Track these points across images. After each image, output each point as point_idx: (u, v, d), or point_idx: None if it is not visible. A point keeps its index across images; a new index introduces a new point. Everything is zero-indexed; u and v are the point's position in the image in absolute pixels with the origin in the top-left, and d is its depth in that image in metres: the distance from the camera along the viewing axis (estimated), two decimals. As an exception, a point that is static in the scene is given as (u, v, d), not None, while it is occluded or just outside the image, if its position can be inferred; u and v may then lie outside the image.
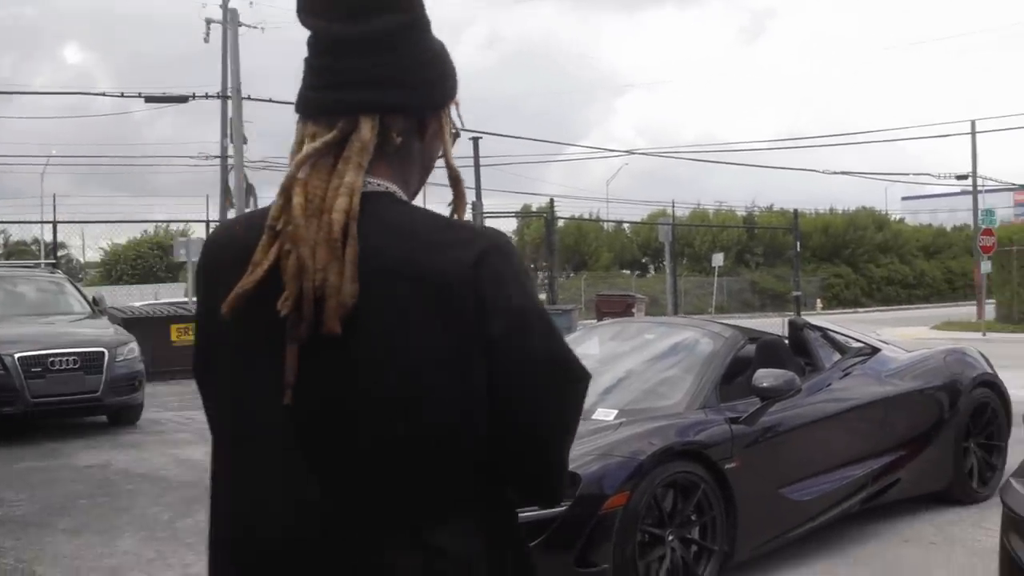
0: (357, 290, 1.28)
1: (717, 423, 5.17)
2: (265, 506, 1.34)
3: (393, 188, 1.39)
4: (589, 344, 6.49)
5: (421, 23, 1.40)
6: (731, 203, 54.20)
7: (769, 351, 5.92)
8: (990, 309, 29.41)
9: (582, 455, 4.69)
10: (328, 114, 1.36)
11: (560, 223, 44.01)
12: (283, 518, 1.33)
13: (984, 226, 28.73)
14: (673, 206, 30.58)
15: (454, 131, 1.48)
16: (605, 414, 5.30)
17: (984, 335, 23.77)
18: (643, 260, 51.50)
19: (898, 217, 59.04)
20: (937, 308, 43.49)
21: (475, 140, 21.31)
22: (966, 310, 34.62)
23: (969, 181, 38.51)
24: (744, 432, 5.22)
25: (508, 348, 1.31)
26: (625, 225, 50.91)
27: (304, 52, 1.42)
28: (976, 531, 6.02)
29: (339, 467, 1.31)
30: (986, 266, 27.99)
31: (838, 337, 6.69)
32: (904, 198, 77.88)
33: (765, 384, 5.34)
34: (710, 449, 5.00)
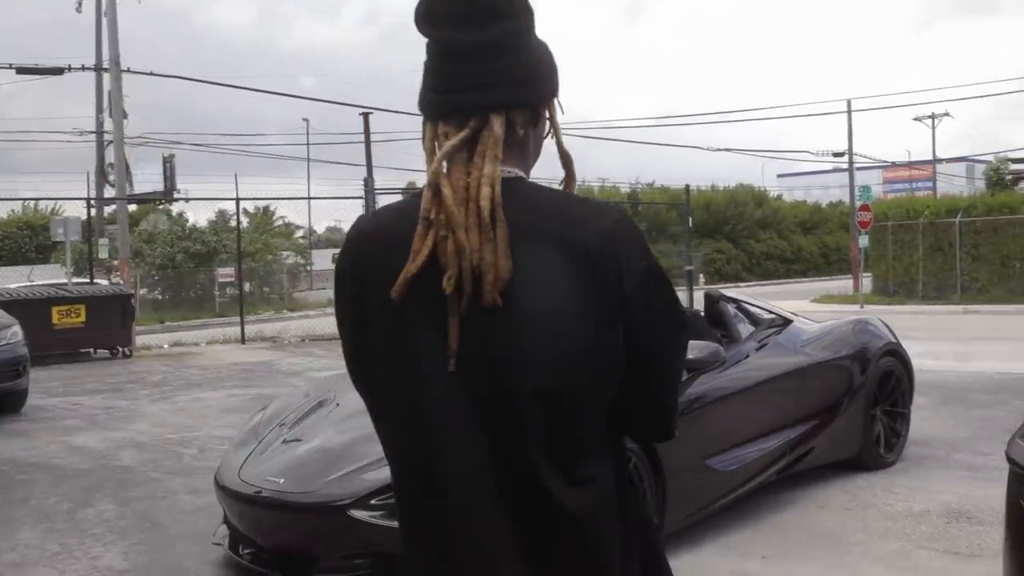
0: (511, 266, 1.44)
1: (646, 396, 5.15)
2: (442, 461, 1.50)
3: (520, 172, 1.56)
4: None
5: (530, 26, 1.55)
6: (615, 180, 54.68)
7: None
8: (866, 282, 30.47)
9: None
10: (459, 114, 1.51)
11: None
12: (460, 471, 1.49)
13: (861, 202, 29.66)
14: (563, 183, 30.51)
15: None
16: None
17: (862, 307, 24.62)
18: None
19: (776, 194, 60.59)
20: (815, 282, 44.95)
21: (365, 116, 20.94)
22: (843, 283, 35.83)
23: (844, 159, 39.76)
24: (672, 404, 5.22)
25: (639, 303, 1.50)
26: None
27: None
28: (887, 495, 6.17)
29: (503, 421, 1.47)
30: (863, 240, 28.96)
31: (752, 309, 6.77)
32: (780, 175, 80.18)
33: (691, 356, 5.34)
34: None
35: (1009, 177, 36.65)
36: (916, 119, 53.73)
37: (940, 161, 54.89)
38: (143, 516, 6.23)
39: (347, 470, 4.62)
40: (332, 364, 14.66)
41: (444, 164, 1.49)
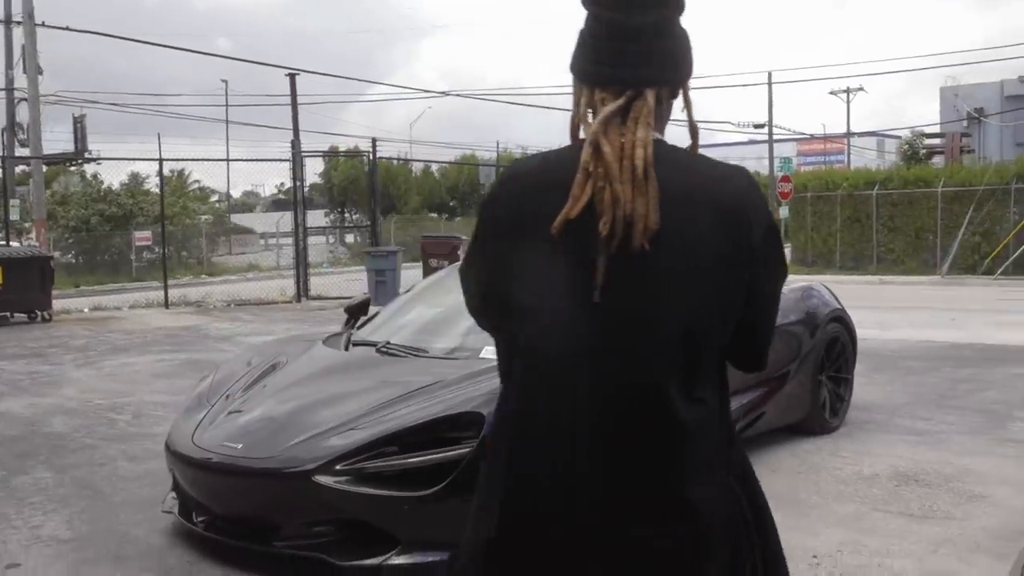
0: (659, 218, 1.64)
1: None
2: (581, 380, 1.69)
3: (660, 136, 1.77)
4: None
5: (680, 13, 1.78)
6: (537, 147, 54.74)
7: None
8: (785, 253, 30.97)
9: (481, 395, 4.53)
10: (618, 84, 1.73)
11: (365, 166, 43.36)
12: (597, 391, 1.68)
13: (782, 173, 30.12)
14: (497, 147, 30.48)
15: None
16: (493, 352, 5.14)
17: (783, 276, 25.01)
18: (451, 203, 51.44)
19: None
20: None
21: (292, 77, 20.45)
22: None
23: (761, 131, 40.35)
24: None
25: (762, 253, 1.75)
26: (434, 168, 50.61)
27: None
28: (835, 459, 6.26)
29: (636, 348, 1.68)
30: (784, 212, 29.43)
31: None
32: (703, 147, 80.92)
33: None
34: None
35: (923, 151, 37.60)
36: (832, 93, 54.70)
37: (854, 135, 56.00)
38: (82, 484, 6.01)
39: (309, 435, 4.50)
40: (260, 329, 14.40)
41: (603, 126, 1.70)
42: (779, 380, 6.46)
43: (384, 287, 16.61)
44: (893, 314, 15.22)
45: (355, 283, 20.36)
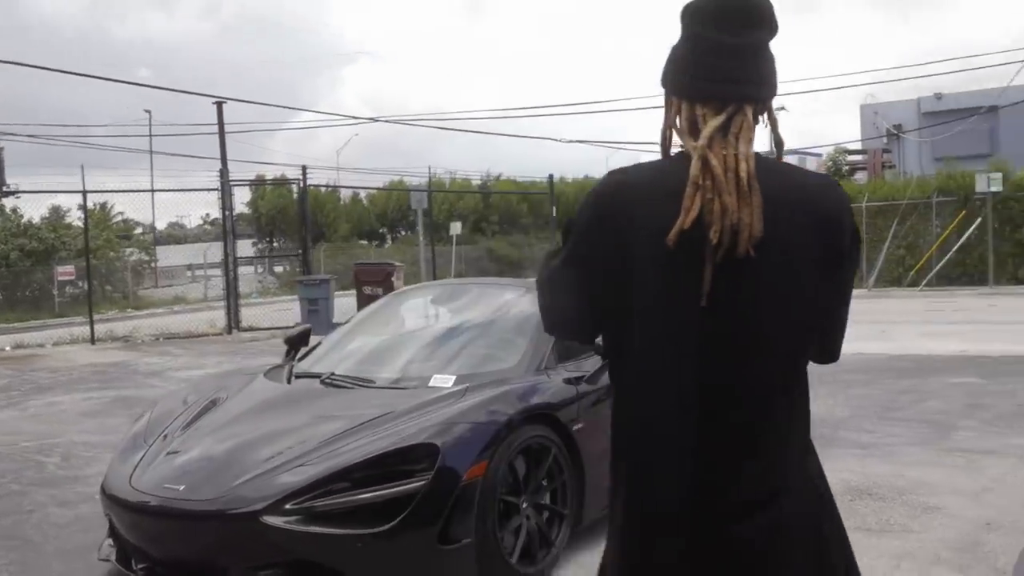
0: (763, 226, 1.79)
1: (562, 385, 5.01)
2: (690, 375, 1.83)
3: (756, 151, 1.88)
4: (420, 306, 6.16)
5: (774, 36, 1.91)
6: (465, 173, 54.63)
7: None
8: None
9: (433, 425, 4.40)
10: (719, 100, 1.87)
11: (294, 195, 42.81)
12: (709, 383, 1.83)
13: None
14: (430, 172, 30.34)
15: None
16: (443, 380, 5.02)
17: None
18: (381, 230, 51.07)
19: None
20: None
21: (219, 104, 20.07)
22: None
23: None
24: (587, 392, 5.10)
25: (848, 256, 1.92)
26: (362, 195, 50.22)
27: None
28: (787, 476, 6.21)
29: (741, 349, 1.83)
30: (712, 229, 29.74)
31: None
32: (611, 172, 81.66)
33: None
34: (559, 411, 4.84)
35: (847, 168, 38.34)
36: (755, 112, 55.46)
37: (785, 153, 56.86)
38: (10, 533, 5.70)
39: (255, 473, 4.30)
40: (191, 362, 14.03)
41: (707, 140, 1.84)
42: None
43: (317, 316, 16.33)
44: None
45: (286, 313, 20.02)
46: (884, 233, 26.45)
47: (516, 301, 6.01)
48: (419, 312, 6.30)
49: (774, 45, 1.93)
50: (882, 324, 16.10)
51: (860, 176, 37.33)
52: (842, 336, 2.05)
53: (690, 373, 1.84)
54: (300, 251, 19.13)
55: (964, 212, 24.90)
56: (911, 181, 28.07)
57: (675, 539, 1.88)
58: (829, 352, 2.04)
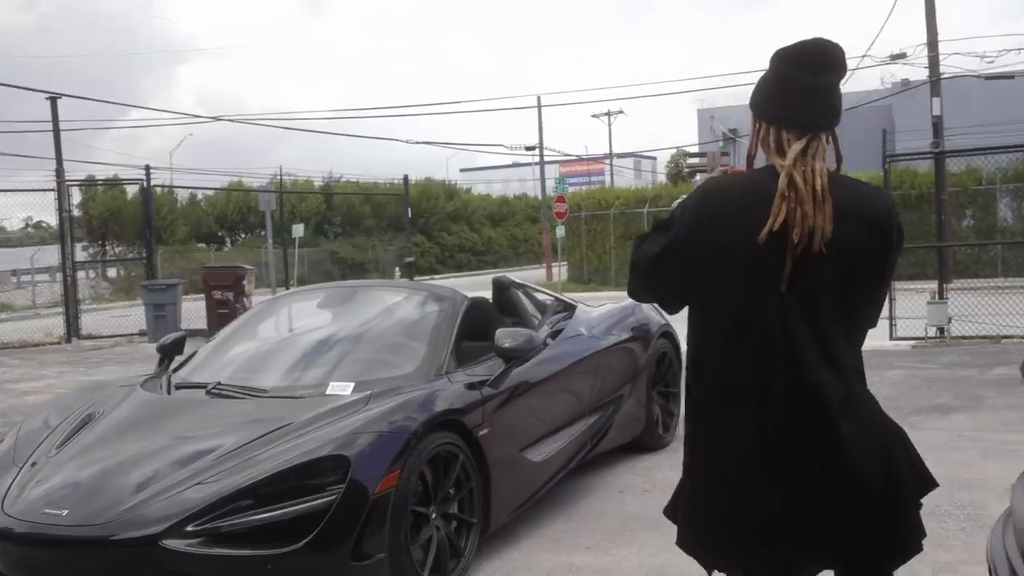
0: (832, 228, 2.29)
1: (467, 389, 4.86)
2: (776, 345, 2.32)
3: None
4: (303, 311, 5.88)
5: (844, 76, 2.46)
6: (307, 174, 53.44)
7: (476, 312, 5.69)
8: (560, 271, 31.69)
9: (339, 436, 4.18)
10: (801, 128, 2.37)
11: (129, 195, 40.99)
12: (790, 355, 2.31)
13: (558, 193, 30.78)
14: (280, 172, 29.51)
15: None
16: (341, 388, 4.79)
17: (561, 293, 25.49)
18: (220, 233, 49.56)
19: (465, 188, 61.83)
20: (507, 272, 46.17)
21: (52, 100, 18.89)
22: (535, 273, 37.03)
23: (525, 153, 41.14)
24: (491, 396, 4.97)
25: (895, 251, 2.44)
26: (199, 197, 48.56)
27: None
28: (678, 474, 6.21)
29: (814, 325, 2.32)
30: (560, 231, 30.07)
31: (537, 296, 6.64)
32: (462, 170, 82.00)
33: (508, 344, 5.11)
34: (465, 417, 4.69)
35: (687, 171, 39.41)
36: (594, 116, 56.63)
37: (620, 156, 58.18)
38: None
39: (149, 494, 3.99)
40: (31, 373, 13.17)
41: (794, 161, 2.34)
42: (620, 397, 6.40)
43: (164, 322, 15.61)
44: (677, 325, 15.69)
45: (126, 320, 19.09)
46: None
47: (404, 304, 5.84)
48: (303, 316, 6.03)
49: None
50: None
51: (700, 178, 38.46)
52: (880, 310, 2.53)
53: (773, 343, 2.33)
54: (144, 255, 18.23)
55: (800, 213, 25.95)
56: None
57: (750, 424, 2.35)
58: (871, 322, 2.51)
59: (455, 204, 55.11)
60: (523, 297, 6.31)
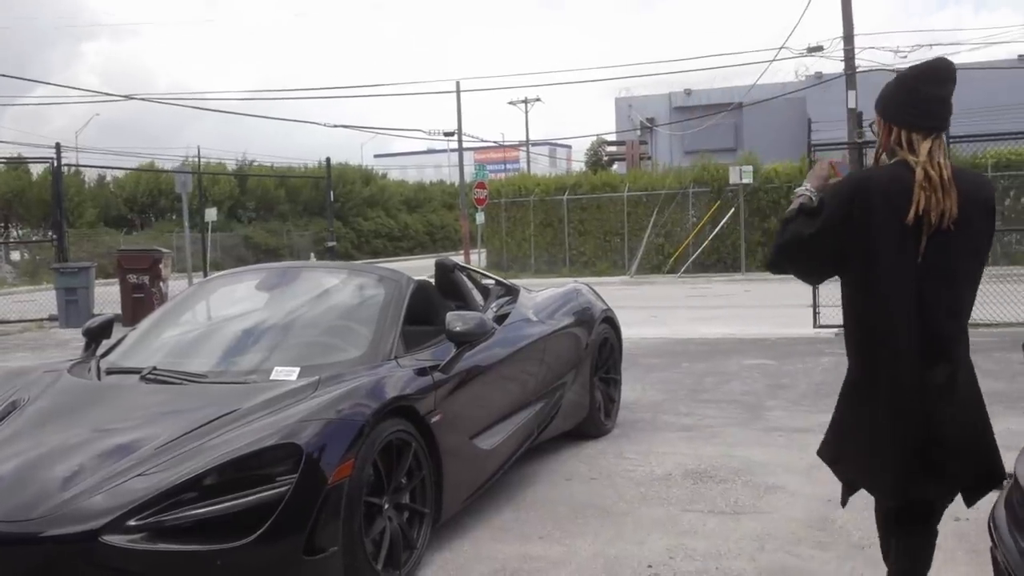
0: (957, 211, 2.99)
1: (418, 374, 4.69)
2: (911, 318, 3.04)
3: None
4: (240, 293, 5.63)
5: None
6: (218, 156, 52.16)
7: (421, 295, 5.51)
8: (478, 258, 31.56)
9: (289, 424, 3.97)
10: (927, 130, 3.06)
11: (34, 176, 39.58)
12: (928, 322, 3.04)
13: (477, 179, 30.63)
14: (199, 154, 28.67)
15: None
16: (286, 373, 4.57)
17: (486, 281, 25.36)
18: (129, 216, 48.15)
19: (382, 174, 61.17)
20: (423, 259, 45.81)
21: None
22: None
23: (438, 139, 40.83)
24: (443, 382, 4.80)
25: (994, 222, 3.17)
26: (108, 178, 47.10)
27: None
28: (623, 462, 6.15)
29: (942, 287, 3.04)
30: (480, 217, 29.93)
31: (480, 279, 6.48)
32: (377, 155, 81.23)
33: (459, 328, 4.95)
34: (418, 403, 4.52)
35: (606, 159, 39.62)
36: (511, 103, 56.52)
37: (536, 144, 58.16)
38: None
39: (87, 486, 3.73)
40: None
41: (928, 157, 3.02)
42: (566, 382, 6.29)
43: (76, 307, 15.04)
44: (620, 312, 15.67)
45: (31, 304, 18.40)
46: (644, 222, 27.50)
47: (346, 286, 5.64)
48: (239, 298, 5.76)
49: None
50: (650, 310, 16.62)
51: (619, 166, 38.68)
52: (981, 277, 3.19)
53: (910, 301, 3.04)
54: (53, 237, 17.54)
55: (718, 203, 26.26)
56: (669, 172, 29.35)
57: (900, 363, 3.06)
58: (977, 286, 3.17)
59: (371, 189, 54.49)
60: (467, 281, 6.15)
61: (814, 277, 3.46)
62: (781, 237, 3.21)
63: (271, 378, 4.55)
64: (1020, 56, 32.60)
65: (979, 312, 11.69)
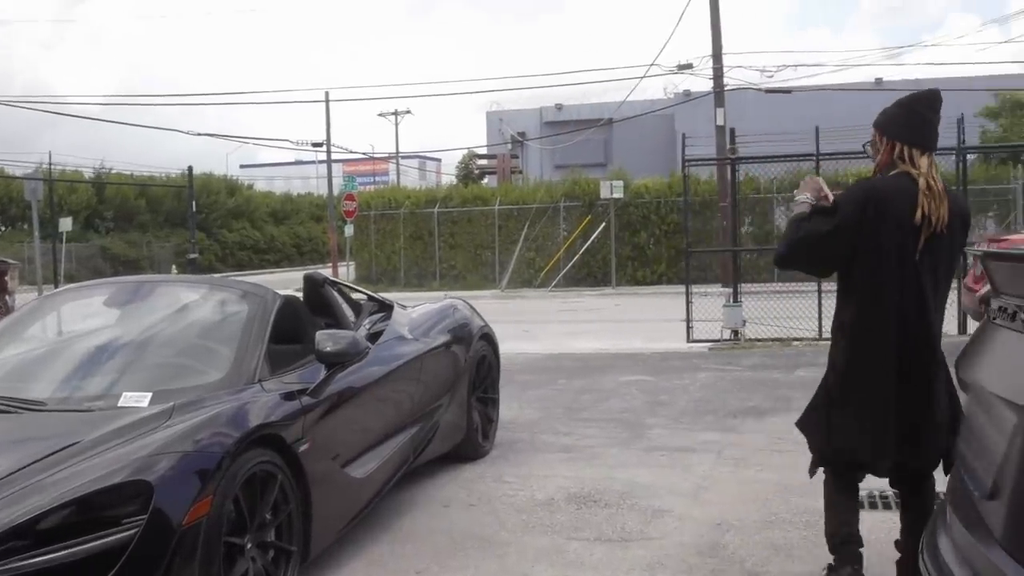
0: (948, 217, 3.62)
1: (284, 399, 4.30)
2: (907, 307, 3.63)
3: None
4: (89, 309, 5.11)
5: None
6: (75, 164, 49.81)
7: (287, 312, 5.12)
8: (347, 271, 30.96)
9: (139, 458, 3.55)
10: (924, 148, 3.70)
11: None
12: (919, 310, 3.63)
13: (347, 191, 30.04)
14: (51, 160, 27.20)
15: None
16: (137, 399, 4.11)
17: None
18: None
19: (247, 184, 59.60)
20: (290, 272, 44.78)
21: None
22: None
23: (307, 150, 39.96)
24: (312, 407, 4.43)
25: (968, 229, 3.84)
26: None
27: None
28: (503, 486, 5.87)
29: (931, 281, 3.64)
30: (349, 229, 29.34)
31: (351, 294, 6.11)
32: (243, 166, 79.21)
33: (330, 348, 4.58)
34: (284, 431, 4.14)
35: (476, 172, 39.46)
36: (381, 115, 55.88)
37: (405, 156, 57.60)
38: None
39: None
40: None
41: (928, 170, 3.67)
42: (443, 402, 5.98)
43: (-91, 323, 13.90)
44: (497, 326, 15.41)
45: None
46: (516, 235, 27.42)
47: (205, 302, 5.19)
48: (86, 316, 5.25)
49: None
50: (523, 324, 16.44)
51: (490, 180, 38.57)
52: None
53: (905, 291, 3.60)
54: None
55: (589, 217, 26.37)
56: (540, 186, 29.34)
57: (892, 343, 3.63)
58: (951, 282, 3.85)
59: (236, 200, 53.01)
60: (338, 296, 5.78)
61: (822, 269, 3.95)
62: (796, 233, 3.74)
63: (119, 405, 4.08)
64: (877, 79, 33.78)
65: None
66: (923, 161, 3.62)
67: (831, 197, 3.79)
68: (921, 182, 3.57)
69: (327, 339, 4.63)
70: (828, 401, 3.79)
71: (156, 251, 46.24)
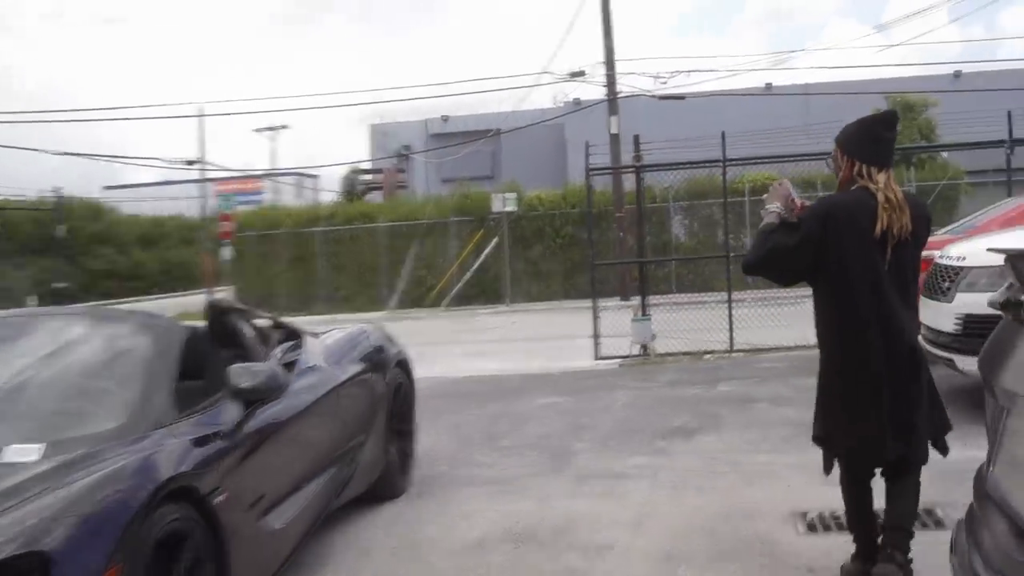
0: (910, 225, 3.87)
1: (196, 444, 3.78)
2: (882, 305, 3.85)
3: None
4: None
5: None
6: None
7: (192, 345, 4.59)
8: (224, 296, 29.87)
9: (32, 524, 3.00)
10: (881, 165, 3.94)
11: None
12: (890, 312, 3.86)
13: (223, 211, 28.99)
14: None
15: None
16: (24, 453, 3.54)
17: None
18: None
19: (109, 207, 57.12)
20: (164, 299, 43.04)
21: None
22: (196, 299, 34.77)
23: (180, 170, 38.62)
24: (227, 451, 3.92)
25: (929, 229, 4.11)
26: None
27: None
28: (428, 527, 5.42)
29: (899, 285, 3.89)
30: (227, 252, 28.28)
31: (256, 321, 5.58)
32: (107, 187, 76.24)
33: (246, 384, 4.09)
34: (199, 482, 3.62)
35: (361, 188, 38.67)
36: (257, 130, 54.47)
37: (282, 173, 56.25)
38: None
39: None
40: None
41: (883, 185, 3.91)
42: (362, 438, 5.50)
43: None
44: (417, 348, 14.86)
45: None
46: (404, 254, 26.85)
47: (94, 336, 4.59)
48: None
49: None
50: (418, 346, 15.75)
51: (375, 195, 37.81)
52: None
53: (875, 298, 3.84)
54: None
55: (482, 231, 25.97)
56: (429, 201, 28.77)
57: (873, 347, 3.86)
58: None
59: (101, 225, 50.72)
60: (246, 325, 5.25)
61: (788, 280, 4.18)
62: (764, 245, 3.96)
63: (4, 460, 3.51)
64: (767, 84, 34.29)
65: (764, 337, 11.93)
66: (880, 177, 3.87)
67: (799, 202, 4.00)
68: (880, 196, 3.83)
69: (242, 374, 4.13)
70: (841, 405, 3.96)
71: (12, 281, 43.82)
